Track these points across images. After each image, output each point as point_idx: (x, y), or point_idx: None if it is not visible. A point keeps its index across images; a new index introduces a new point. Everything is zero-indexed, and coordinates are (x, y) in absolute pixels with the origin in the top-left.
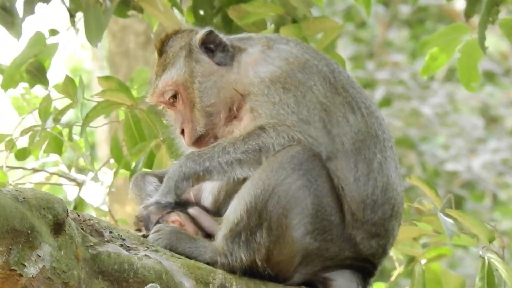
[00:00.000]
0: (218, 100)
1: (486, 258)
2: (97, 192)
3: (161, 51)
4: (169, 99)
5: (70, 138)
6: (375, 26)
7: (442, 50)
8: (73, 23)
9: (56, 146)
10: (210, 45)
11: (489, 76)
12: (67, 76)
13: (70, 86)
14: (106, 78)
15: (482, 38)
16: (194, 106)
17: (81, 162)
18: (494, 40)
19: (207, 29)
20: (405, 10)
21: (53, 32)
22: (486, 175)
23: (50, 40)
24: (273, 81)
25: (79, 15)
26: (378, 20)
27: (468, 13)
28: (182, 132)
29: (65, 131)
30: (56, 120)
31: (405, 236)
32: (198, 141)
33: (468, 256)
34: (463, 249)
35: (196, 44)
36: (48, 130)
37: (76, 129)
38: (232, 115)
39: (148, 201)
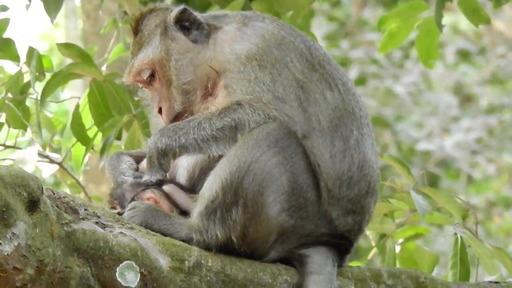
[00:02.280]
0: (194, 77)
1: (459, 235)
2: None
3: (136, 30)
4: (146, 78)
5: (26, 111)
6: (349, 5)
7: (400, 27)
8: None
9: (19, 120)
10: (185, 23)
11: (464, 55)
12: (30, 48)
13: (32, 58)
14: (66, 45)
15: (439, 17)
16: (171, 84)
17: (56, 140)
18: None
19: (181, 7)
20: None
21: (3, 8)
22: (459, 154)
23: (1, 15)
24: (249, 58)
25: None
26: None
27: None
28: (160, 111)
29: (32, 108)
30: (23, 93)
31: (376, 213)
32: (176, 119)
33: (441, 233)
34: (437, 227)
35: (171, 22)
36: (7, 102)
37: (52, 106)
38: (208, 93)
39: (125, 178)
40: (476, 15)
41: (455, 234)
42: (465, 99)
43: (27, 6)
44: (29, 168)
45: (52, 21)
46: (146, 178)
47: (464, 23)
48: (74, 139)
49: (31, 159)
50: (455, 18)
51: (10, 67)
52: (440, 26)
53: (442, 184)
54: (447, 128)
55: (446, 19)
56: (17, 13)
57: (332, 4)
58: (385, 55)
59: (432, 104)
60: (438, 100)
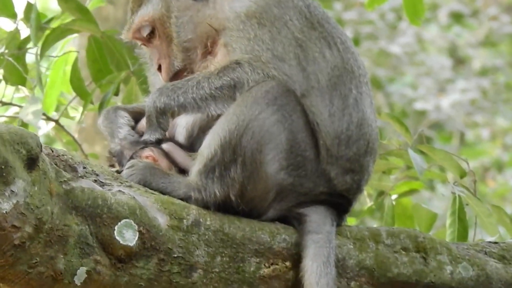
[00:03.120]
0: (194, 35)
1: (457, 193)
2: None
3: None
4: (146, 35)
5: (25, 66)
6: None
7: None
8: None
9: (18, 76)
10: None
11: (457, 17)
12: (28, 3)
13: (30, 13)
14: (66, 0)
15: None
16: (171, 41)
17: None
18: None
19: None
20: None
21: None
22: (455, 114)
23: None
24: (249, 16)
25: None
26: None
27: None
28: (159, 68)
29: (30, 65)
30: (20, 49)
31: (375, 169)
32: (176, 76)
33: (435, 196)
34: (430, 190)
35: None
36: (7, 58)
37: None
38: (207, 51)
39: (122, 133)
40: None
41: (453, 192)
42: (459, 61)
43: None
44: (35, 123)
45: None
46: (145, 137)
47: None
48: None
49: (36, 116)
50: None
51: (6, 25)
52: None
53: (435, 146)
54: (441, 89)
55: None
56: None
57: None
58: (378, 16)
59: (426, 65)
60: (432, 62)
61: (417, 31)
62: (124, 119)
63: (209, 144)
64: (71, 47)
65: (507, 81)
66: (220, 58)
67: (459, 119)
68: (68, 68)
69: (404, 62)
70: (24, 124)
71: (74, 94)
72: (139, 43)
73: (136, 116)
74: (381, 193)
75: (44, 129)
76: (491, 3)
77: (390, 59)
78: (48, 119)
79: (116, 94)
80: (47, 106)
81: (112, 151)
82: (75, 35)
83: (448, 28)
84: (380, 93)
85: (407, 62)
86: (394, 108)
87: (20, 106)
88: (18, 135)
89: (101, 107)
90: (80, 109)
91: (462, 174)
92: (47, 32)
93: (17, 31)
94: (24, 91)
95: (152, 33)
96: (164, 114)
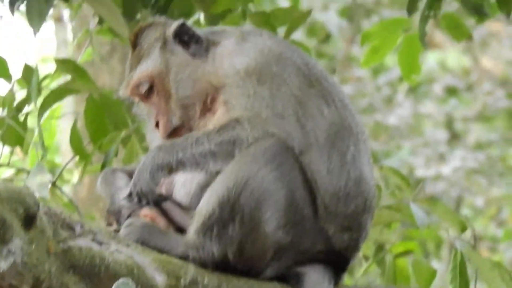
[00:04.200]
0: (193, 92)
1: (458, 248)
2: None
3: (135, 44)
4: (144, 91)
5: (25, 128)
6: (338, 41)
7: (383, 42)
8: (13, 10)
9: (16, 137)
10: (184, 37)
11: (452, 91)
12: (26, 65)
13: (30, 75)
14: (63, 61)
15: (422, 33)
16: (170, 97)
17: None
18: (456, 56)
19: (180, 21)
20: (368, 25)
21: None
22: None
23: None
24: (248, 73)
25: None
26: (341, 35)
27: (410, 9)
28: (157, 124)
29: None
30: (19, 110)
31: (376, 221)
32: (174, 133)
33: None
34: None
35: (171, 35)
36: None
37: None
38: (207, 108)
39: (122, 195)
40: (458, 31)
41: (454, 247)
42: (454, 135)
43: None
44: (44, 194)
45: (35, 34)
46: (129, 190)
47: (451, 59)
48: (66, 157)
49: (43, 188)
50: (442, 55)
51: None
52: (423, 43)
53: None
54: (441, 157)
55: (434, 56)
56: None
57: (320, 41)
58: (375, 89)
59: (423, 138)
60: (428, 136)
61: (413, 104)
62: (123, 180)
63: (207, 202)
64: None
65: (502, 155)
66: (219, 116)
67: (460, 184)
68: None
69: (401, 133)
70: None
71: (66, 157)
72: (137, 99)
73: None
74: (380, 248)
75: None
76: (486, 78)
77: (387, 131)
78: None
79: (115, 154)
80: None
81: (110, 209)
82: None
83: (443, 102)
84: (375, 166)
85: (404, 133)
86: (389, 182)
87: (18, 168)
88: (15, 193)
89: (102, 168)
90: (75, 172)
91: (463, 228)
92: (46, 92)
93: (12, 93)
94: (18, 153)
95: (150, 90)
96: (160, 170)
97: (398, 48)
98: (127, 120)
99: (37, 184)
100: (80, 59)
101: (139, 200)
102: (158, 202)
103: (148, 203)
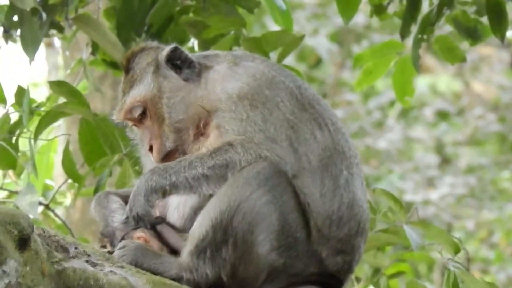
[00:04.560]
0: (186, 116)
1: (452, 269)
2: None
3: (127, 68)
4: (137, 116)
5: (17, 149)
6: (328, 66)
7: (376, 65)
8: (7, 38)
9: (9, 160)
10: (176, 62)
11: (443, 116)
12: (19, 87)
13: (22, 97)
14: (58, 83)
15: (415, 57)
16: (163, 121)
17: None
18: (447, 80)
19: (172, 45)
20: (358, 49)
21: None
22: (445, 205)
23: None
24: (241, 98)
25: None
26: (331, 60)
27: (403, 33)
28: (151, 148)
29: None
30: (11, 133)
31: (369, 246)
32: (167, 157)
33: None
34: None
35: (163, 60)
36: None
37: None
38: (200, 132)
39: (116, 217)
40: (451, 53)
41: (447, 268)
42: (445, 160)
43: (9, 39)
44: (34, 213)
45: (30, 61)
46: (126, 214)
47: (442, 84)
48: (58, 179)
49: (33, 207)
50: (433, 79)
51: None
52: (416, 67)
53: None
54: (430, 183)
55: (425, 80)
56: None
57: (310, 66)
58: (365, 113)
59: (413, 162)
60: (418, 160)
61: (404, 128)
62: (116, 203)
63: (201, 225)
64: (55, 133)
65: (493, 178)
66: (212, 140)
67: (448, 210)
68: (51, 155)
69: (391, 158)
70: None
71: (58, 180)
72: (130, 123)
73: (128, 200)
74: (376, 271)
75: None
76: (477, 102)
77: (377, 156)
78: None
79: (109, 174)
80: None
81: (104, 231)
82: (61, 120)
83: (434, 126)
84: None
85: (394, 158)
86: (380, 207)
87: (10, 191)
88: (9, 215)
89: (96, 191)
90: (68, 194)
91: (457, 250)
92: (40, 115)
93: (7, 116)
94: (11, 176)
95: (143, 114)
96: (154, 193)
97: (391, 72)
98: (120, 144)
99: (27, 204)
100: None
101: (137, 223)
102: (154, 224)
103: (145, 226)
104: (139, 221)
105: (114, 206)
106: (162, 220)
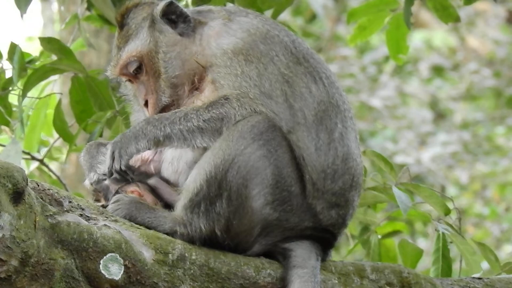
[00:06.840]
0: (182, 71)
1: (441, 230)
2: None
3: (122, 24)
4: (133, 71)
5: (9, 107)
6: (324, 21)
7: (371, 20)
8: None
9: (2, 117)
10: (171, 16)
11: (438, 71)
12: (12, 43)
13: (14, 53)
14: (49, 40)
15: (407, 14)
16: (159, 76)
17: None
18: (442, 35)
19: (167, 0)
20: (354, 3)
21: None
22: (436, 167)
23: None
24: (236, 53)
25: None
26: (327, 15)
27: None
28: (146, 103)
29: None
30: (4, 89)
31: (361, 203)
32: (162, 111)
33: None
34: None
35: (158, 14)
36: None
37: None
38: (195, 87)
39: (101, 169)
40: (445, 12)
41: (437, 230)
42: (439, 115)
43: None
44: (17, 161)
45: (22, 15)
46: (108, 165)
47: (437, 39)
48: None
49: (16, 157)
50: (429, 34)
51: None
52: (408, 24)
53: (415, 199)
54: (422, 142)
55: (420, 35)
56: None
57: (306, 20)
58: (359, 69)
59: (407, 118)
60: (413, 115)
61: (398, 84)
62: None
63: (195, 179)
64: (51, 90)
65: (487, 134)
66: (207, 95)
67: (440, 173)
68: (49, 111)
69: (385, 115)
70: None
71: (55, 135)
72: (124, 79)
73: None
74: (366, 228)
75: (28, 169)
76: (472, 57)
77: (371, 112)
78: (33, 158)
79: (100, 135)
80: (29, 147)
81: (98, 185)
82: (56, 76)
83: (429, 82)
84: (361, 147)
85: (388, 115)
86: (374, 162)
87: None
88: (4, 168)
89: None
90: (63, 150)
91: (447, 211)
92: (30, 72)
93: (2, 71)
94: (7, 132)
95: (139, 69)
96: (146, 142)
97: (385, 28)
98: (112, 101)
99: (10, 155)
100: (72, 47)
101: (119, 176)
102: (145, 178)
103: (131, 179)
104: (120, 174)
105: (102, 158)
106: (151, 174)
